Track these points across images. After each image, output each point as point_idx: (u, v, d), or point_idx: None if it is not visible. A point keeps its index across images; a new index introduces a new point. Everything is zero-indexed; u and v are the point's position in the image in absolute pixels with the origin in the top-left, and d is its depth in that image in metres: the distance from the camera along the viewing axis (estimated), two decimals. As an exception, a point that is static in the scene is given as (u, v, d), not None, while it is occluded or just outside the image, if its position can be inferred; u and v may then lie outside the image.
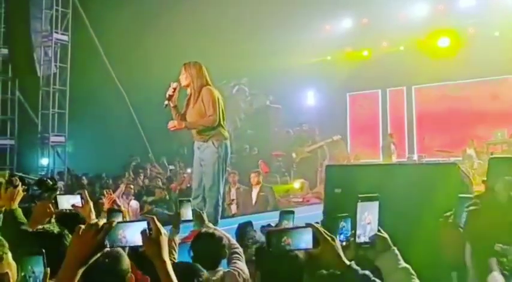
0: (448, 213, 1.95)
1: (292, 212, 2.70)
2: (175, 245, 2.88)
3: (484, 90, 13.77)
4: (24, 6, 11.55)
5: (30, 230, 2.52)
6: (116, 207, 6.29)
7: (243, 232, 3.07)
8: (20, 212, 2.91)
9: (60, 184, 9.67)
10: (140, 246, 1.65)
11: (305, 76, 15.00)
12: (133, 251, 2.11)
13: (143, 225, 1.64)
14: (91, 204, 2.76)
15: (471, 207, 1.50)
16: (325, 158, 12.18)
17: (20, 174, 6.14)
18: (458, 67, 12.96)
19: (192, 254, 2.65)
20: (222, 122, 4.98)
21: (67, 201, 2.76)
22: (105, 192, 6.33)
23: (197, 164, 5.09)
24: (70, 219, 2.67)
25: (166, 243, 1.67)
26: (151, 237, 1.64)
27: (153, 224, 1.66)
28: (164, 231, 1.68)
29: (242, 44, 13.46)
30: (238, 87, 15.27)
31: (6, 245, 1.80)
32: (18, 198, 2.99)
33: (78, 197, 2.78)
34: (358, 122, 15.75)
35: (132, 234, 1.63)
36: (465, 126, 13.15)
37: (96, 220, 1.61)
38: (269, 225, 2.86)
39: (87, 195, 2.82)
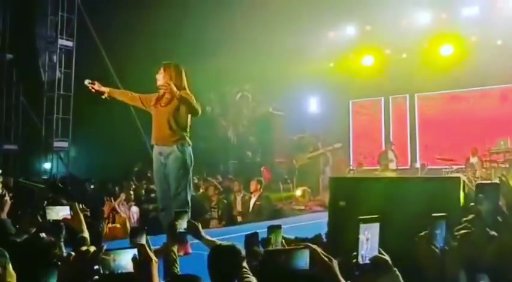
0: (422, 233, 1.98)
1: (279, 227, 2.69)
2: (176, 256, 2.83)
3: (487, 98, 13.78)
4: (30, 12, 11.63)
5: (18, 240, 2.51)
6: (116, 214, 6.33)
7: (249, 243, 3.02)
8: (8, 223, 2.89)
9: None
10: (131, 272, 1.67)
11: (308, 83, 15.03)
12: None
13: (134, 252, 1.68)
14: (81, 216, 2.72)
15: (462, 231, 1.55)
16: (327, 165, 12.18)
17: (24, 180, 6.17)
18: (461, 75, 12.98)
19: (210, 268, 2.48)
20: (187, 129, 4.87)
21: (56, 213, 2.72)
22: (105, 200, 6.40)
23: (159, 171, 4.85)
24: (57, 229, 2.65)
25: (156, 271, 1.69)
26: (141, 265, 1.66)
27: (144, 251, 1.68)
28: (155, 258, 1.70)
29: (245, 50, 13.52)
30: (242, 93, 15.34)
31: (7, 255, 1.82)
32: (6, 208, 2.97)
33: (68, 208, 2.74)
34: (361, 129, 15.76)
35: (125, 260, 1.66)
36: (468, 135, 13.14)
37: (86, 247, 1.65)
38: (269, 238, 2.82)
39: (77, 207, 2.78)
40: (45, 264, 2.08)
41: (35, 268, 2.02)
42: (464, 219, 1.52)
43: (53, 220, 2.73)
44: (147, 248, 1.70)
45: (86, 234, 2.64)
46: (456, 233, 1.56)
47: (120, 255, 1.67)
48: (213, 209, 8.33)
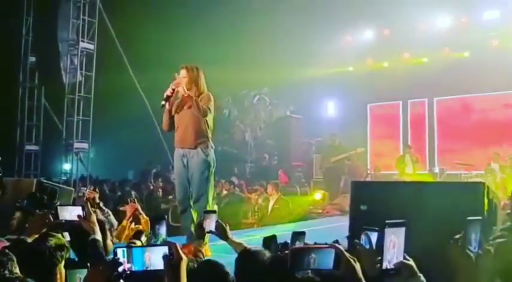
0: (457, 236, 1.95)
1: (303, 233, 2.69)
2: (203, 256, 2.89)
3: (508, 103, 13.58)
4: (52, 16, 11.83)
5: (29, 239, 2.51)
6: (139, 215, 6.39)
7: (267, 247, 3.04)
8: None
9: (83, 190, 9.84)
10: (161, 270, 1.72)
11: (326, 86, 15.01)
12: None
13: (165, 249, 1.73)
14: (94, 216, 2.72)
15: (500, 240, 1.52)
16: (345, 169, 12.09)
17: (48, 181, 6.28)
18: (482, 80, 12.81)
19: (237, 272, 2.43)
20: (209, 133, 4.81)
21: (69, 213, 2.72)
22: (128, 201, 6.48)
23: (181, 174, 4.81)
24: (66, 229, 2.65)
25: (185, 270, 1.73)
26: (172, 264, 1.70)
27: (175, 250, 1.73)
28: (185, 258, 1.74)
29: (263, 53, 13.56)
30: (259, 96, 15.38)
31: (14, 258, 1.87)
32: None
33: (80, 208, 2.75)
34: (379, 133, 15.65)
35: (156, 257, 1.72)
36: (487, 140, 12.96)
37: (116, 257, 1.70)
38: (286, 242, 2.83)
39: (89, 208, 2.79)
40: (47, 267, 2.12)
41: (36, 271, 2.05)
42: (501, 227, 1.48)
43: (65, 220, 2.74)
44: (178, 248, 1.74)
45: (98, 236, 2.62)
46: (492, 242, 1.52)
47: (153, 252, 1.73)
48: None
